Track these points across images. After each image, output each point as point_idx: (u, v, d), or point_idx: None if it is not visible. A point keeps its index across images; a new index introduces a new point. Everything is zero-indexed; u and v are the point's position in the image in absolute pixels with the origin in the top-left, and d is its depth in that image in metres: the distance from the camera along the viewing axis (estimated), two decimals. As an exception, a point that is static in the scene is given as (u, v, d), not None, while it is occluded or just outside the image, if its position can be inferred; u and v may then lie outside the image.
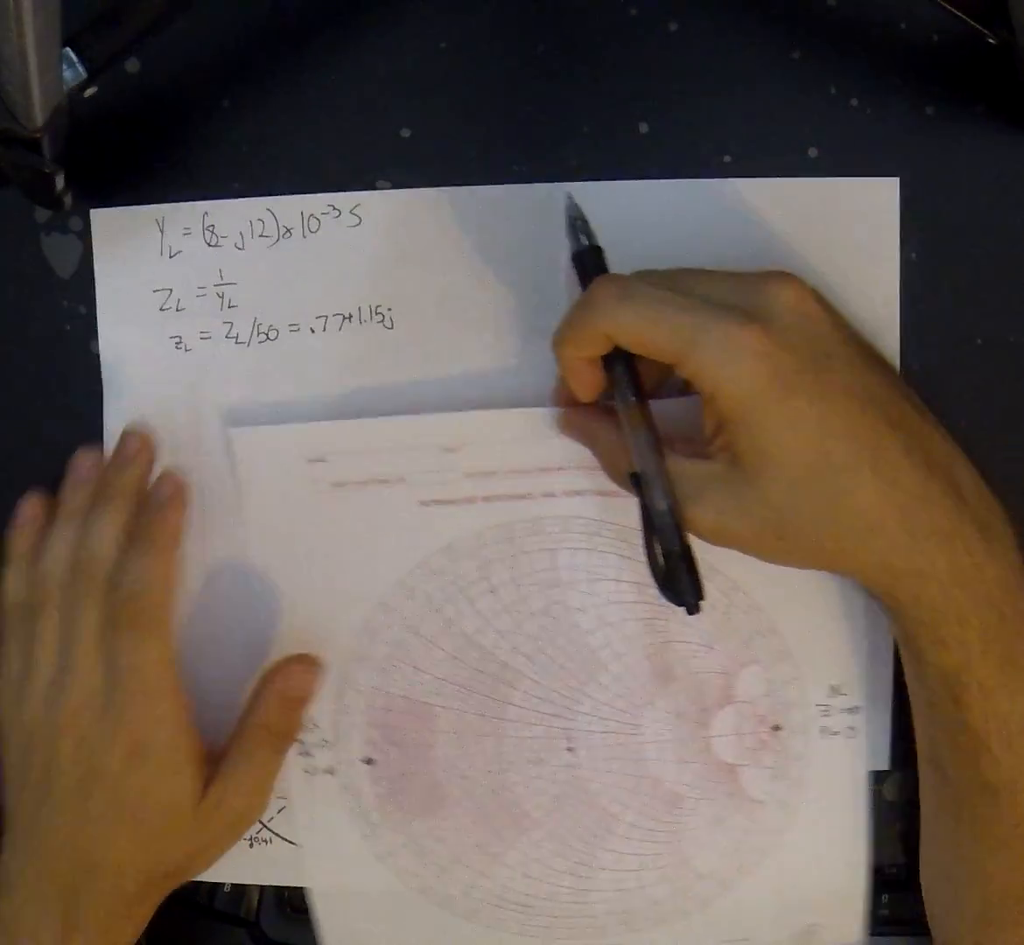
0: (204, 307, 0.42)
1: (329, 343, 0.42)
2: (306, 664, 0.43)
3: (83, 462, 0.43)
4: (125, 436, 0.43)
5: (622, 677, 0.43)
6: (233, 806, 0.42)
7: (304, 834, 0.45)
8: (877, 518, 0.35)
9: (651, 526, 0.37)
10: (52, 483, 0.43)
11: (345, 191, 0.42)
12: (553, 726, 0.44)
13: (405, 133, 0.42)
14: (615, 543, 0.43)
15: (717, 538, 0.37)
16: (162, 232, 0.42)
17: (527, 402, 0.41)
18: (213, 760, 0.42)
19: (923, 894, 0.43)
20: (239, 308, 0.42)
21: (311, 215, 0.42)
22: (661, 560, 0.37)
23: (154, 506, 0.42)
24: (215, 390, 0.43)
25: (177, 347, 0.43)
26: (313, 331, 0.42)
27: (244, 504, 0.43)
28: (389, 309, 0.42)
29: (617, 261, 0.38)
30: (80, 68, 0.34)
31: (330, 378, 0.43)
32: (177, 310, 0.43)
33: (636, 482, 0.37)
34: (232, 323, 0.42)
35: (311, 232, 0.42)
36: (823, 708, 0.43)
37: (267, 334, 0.42)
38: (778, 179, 0.41)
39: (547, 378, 0.41)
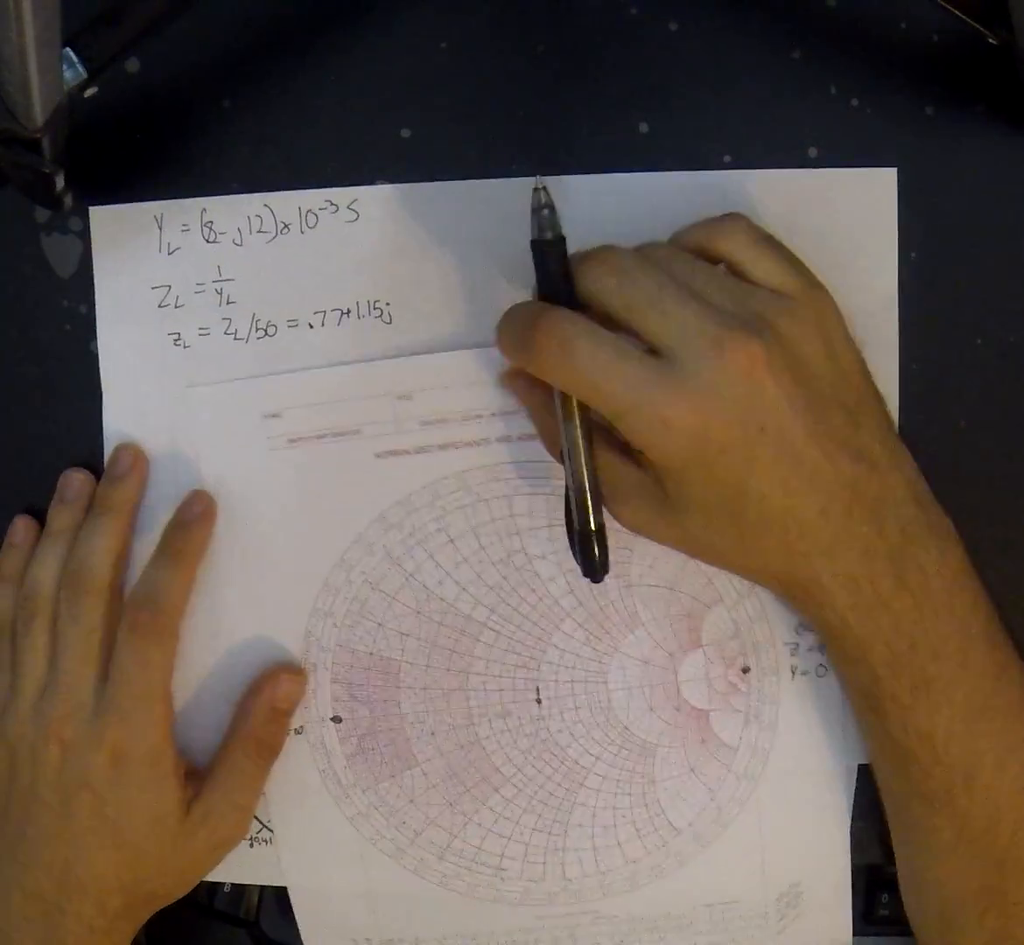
0: (202, 303, 0.42)
1: (328, 338, 0.42)
2: (293, 673, 0.43)
3: (70, 483, 0.43)
4: (118, 452, 0.43)
5: (586, 624, 0.43)
6: (220, 821, 0.42)
7: (275, 800, 0.44)
8: (783, 563, 0.37)
9: (571, 501, 0.38)
10: (51, 484, 0.44)
11: (345, 190, 0.42)
12: (519, 677, 0.44)
13: (405, 133, 0.42)
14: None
15: (635, 532, 0.38)
16: (160, 229, 0.42)
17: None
18: (194, 778, 0.42)
19: (902, 901, 0.43)
20: (238, 304, 0.42)
21: (309, 211, 0.42)
22: (576, 533, 0.39)
23: (183, 522, 0.42)
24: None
25: (176, 344, 0.43)
26: (311, 326, 0.42)
27: (201, 463, 0.43)
28: (387, 304, 0.42)
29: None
30: (80, 68, 0.34)
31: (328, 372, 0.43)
32: (175, 307, 0.43)
33: (563, 458, 0.38)
34: (230, 319, 0.42)
35: (309, 227, 0.42)
36: (791, 646, 0.43)
37: (265, 330, 0.42)
38: (775, 170, 0.41)
39: None
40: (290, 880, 0.45)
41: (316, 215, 0.42)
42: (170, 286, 0.42)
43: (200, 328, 0.43)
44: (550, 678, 0.44)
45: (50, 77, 0.31)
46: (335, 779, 0.44)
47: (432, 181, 0.42)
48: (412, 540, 0.43)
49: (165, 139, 0.42)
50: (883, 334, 0.42)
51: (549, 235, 0.36)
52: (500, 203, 0.42)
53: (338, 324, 0.42)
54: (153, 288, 0.43)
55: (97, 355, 0.43)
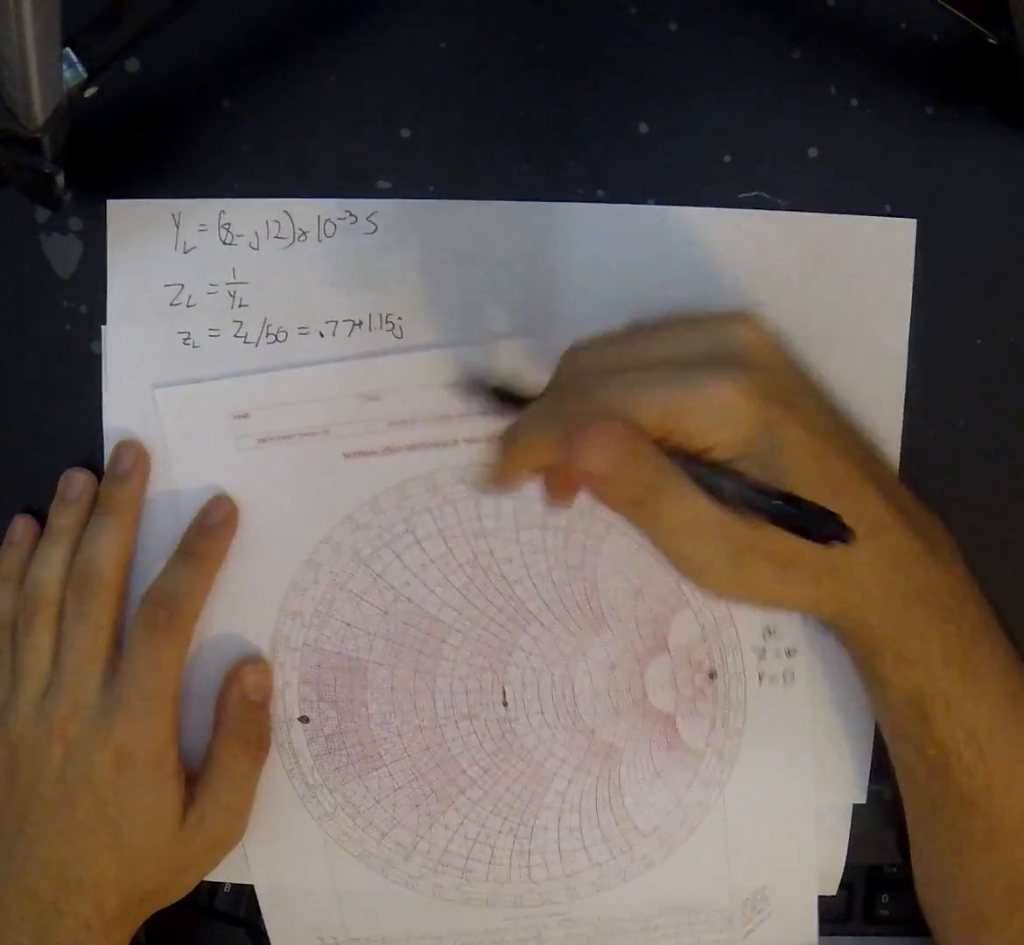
0: (215, 304, 0.42)
1: (337, 348, 0.42)
2: (255, 663, 0.43)
3: (71, 482, 0.43)
4: (119, 450, 0.42)
5: (552, 627, 0.43)
6: (215, 823, 0.42)
7: None
8: (844, 550, 0.35)
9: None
10: (51, 484, 0.44)
11: (346, 191, 0.42)
12: (485, 679, 0.44)
13: (405, 133, 0.42)
14: (541, 487, 0.42)
15: (731, 596, 0.36)
16: (177, 227, 0.42)
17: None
18: (192, 782, 0.42)
19: (918, 897, 0.43)
20: (250, 308, 0.42)
21: (328, 220, 0.42)
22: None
23: (205, 526, 0.42)
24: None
25: (185, 343, 0.43)
26: (322, 335, 0.42)
27: (172, 463, 0.43)
28: (399, 318, 0.42)
29: (622, 291, 0.39)
30: (80, 68, 0.34)
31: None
32: (187, 306, 0.42)
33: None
34: (242, 322, 0.42)
35: (327, 236, 0.42)
36: (758, 651, 0.43)
37: (276, 335, 0.42)
38: (794, 213, 0.41)
39: None
40: (257, 879, 0.45)
41: (335, 224, 0.42)
42: (183, 285, 0.42)
43: (210, 329, 0.42)
44: (517, 680, 0.44)
45: (50, 77, 0.31)
46: (302, 779, 0.44)
47: (433, 181, 0.42)
48: (380, 541, 0.43)
49: (165, 139, 0.42)
50: (889, 387, 0.42)
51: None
52: (522, 225, 0.42)
53: (349, 335, 0.42)
54: (166, 286, 0.42)
55: (97, 355, 0.43)
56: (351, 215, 0.42)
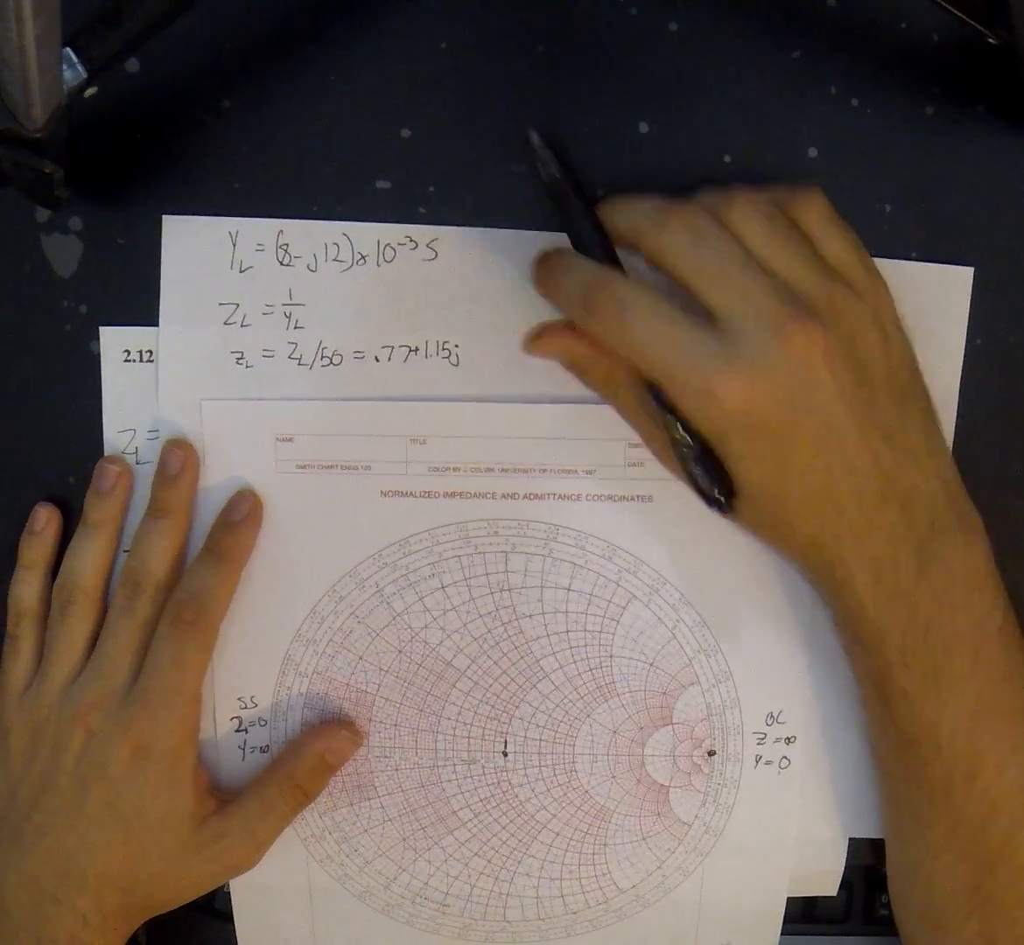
0: (270, 325, 0.42)
1: (392, 373, 0.42)
2: (352, 732, 0.43)
3: (105, 473, 0.42)
4: (167, 453, 0.42)
5: (563, 687, 0.44)
6: (233, 846, 0.42)
7: None
8: (813, 540, 0.37)
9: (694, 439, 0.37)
10: (51, 484, 0.44)
11: (346, 191, 0.42)
12: (489, 728, 0.44)
13: (405, 133, 0.42)
14: (571, 550, 0.43)
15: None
16: (234, 246, 0.42)
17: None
18: (215, 793, 0.43)
19: (889, 890, 0.43)
20: (306, 330, 0.42)
21: (387, 244, 0.42)
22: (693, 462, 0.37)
23: (230, 523, 0.42)
24: (271, 408, 0.42)
25: (238, 362, 0.42)
26: (378, 360, 0.42)
27: (209, 476, 0.43)
28: (457, 346, 0.42)
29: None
30: (80, 68, 0.34)
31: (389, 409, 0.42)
32: (242, 325, 0.42)
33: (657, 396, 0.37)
34: (296, 344, 0.42)
35: (386, 261, 0.42)
36: (759, 736, 0.44)
37: (331, 359, 0.42)
38: None
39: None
40: (235, 893, 0.45)
41: (394, 249, 0.42)
42: (238, 304, 0.42)
43: (264, 350, 0.42)
44: (519, 733, 0.44)
45: (50, 77, 0.31)
46: None
47: (433, 181, 0.42)
48: (405, 581, 0.43)
49: (165, 139, 0.42)
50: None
51: (546, 176, 0.38)
52: None
53: (405, 360, 0.42)
54: (220, 304, 0.42)
55: (97, 355, 0.43)
56: (411, 240, 0.42)
